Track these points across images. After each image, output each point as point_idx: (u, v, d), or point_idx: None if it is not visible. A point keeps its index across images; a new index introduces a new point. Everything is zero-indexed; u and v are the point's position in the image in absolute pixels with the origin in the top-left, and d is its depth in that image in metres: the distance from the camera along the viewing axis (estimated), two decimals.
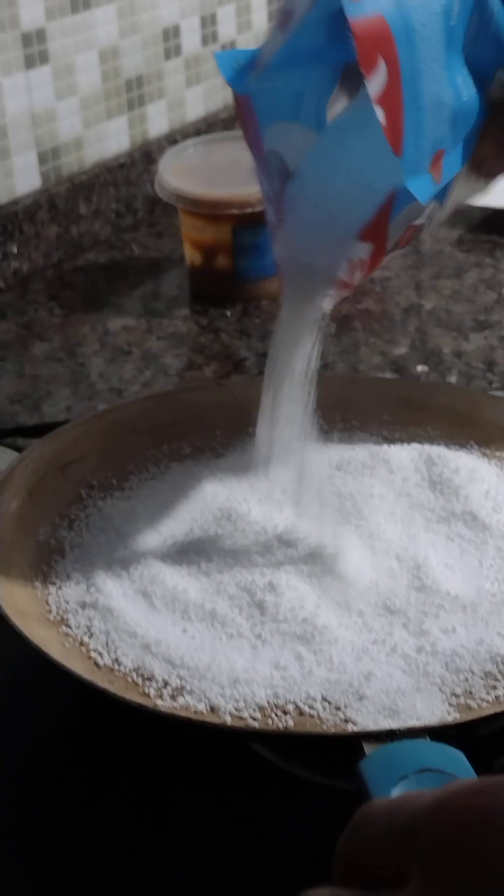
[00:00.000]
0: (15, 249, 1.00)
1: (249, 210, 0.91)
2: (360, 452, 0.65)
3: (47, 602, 0.54)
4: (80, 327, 0.94)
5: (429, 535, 0.59)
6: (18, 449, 0.72)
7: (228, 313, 0.94)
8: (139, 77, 1.10)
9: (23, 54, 0.97)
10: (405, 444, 0.66)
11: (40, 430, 0.72)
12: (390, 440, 0.67)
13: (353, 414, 0.69)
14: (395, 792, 0.38)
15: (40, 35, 0.98)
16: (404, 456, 0.64)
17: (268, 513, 0.59)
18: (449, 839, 0.29)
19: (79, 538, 0.59)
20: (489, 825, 0.28)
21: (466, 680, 0.50)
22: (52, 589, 0.55)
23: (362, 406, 0.70)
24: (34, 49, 0.98)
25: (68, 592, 0.55)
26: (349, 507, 0.60)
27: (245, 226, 0.93)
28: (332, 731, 0.47)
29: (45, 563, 0.57)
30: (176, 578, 0.55)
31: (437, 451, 0.65)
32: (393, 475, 0.62)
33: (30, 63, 0.98)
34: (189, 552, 0.57)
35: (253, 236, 0.93)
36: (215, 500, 0.60)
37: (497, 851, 0.28)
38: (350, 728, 0.47)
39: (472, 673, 0.50)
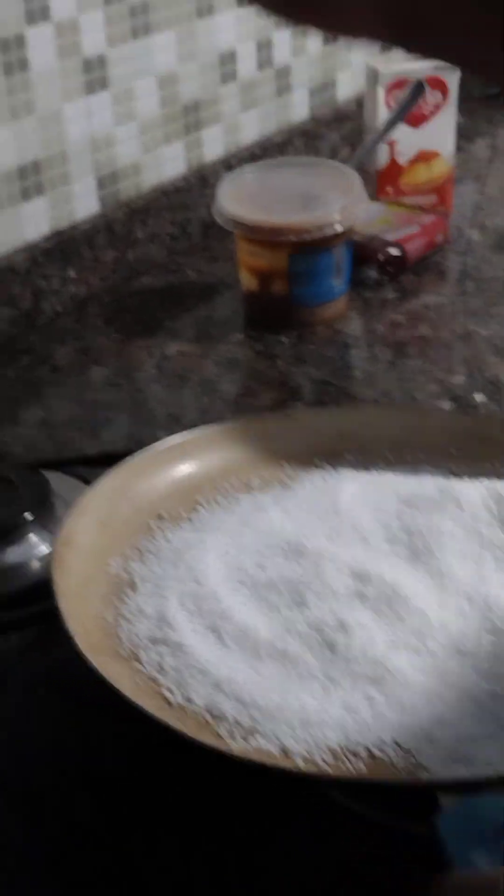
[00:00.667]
0: (73, 274, 1.01)
1: (307, 237, 0.92)
2: (428, 488, 0.65)
3: (119, 636, 0.55)
4: (136, 352, 0.94)
5: (500, 575, 0.59)
6: (82, 478, 0.73)
7: (284, 339, 0.95)
8: (196, 102, 1.11)
9: (84, 80, 0.98)
10: (474, 480, 0.66)
11: (103, 460, 0.73)
12: (458, 475, 0.67)
13: (420, 447, 0.69)
14: (474, 853, 0.38)
15: (101, 61, 0.99)
16: (473, 492, 0.64)
17: (338, 549, 0.59)
18: None
19: (150, 571, 0.59)
20: None
21: None
22: (124, 623, 0.55)
23: (430, 439, 0.70)
24: (95, 75, 0.99)
25: (140, 627, 0.55)
26: (419, 545, 0.60)
27: (302, 252, 0.93)
28: (406, 778, 0.47)
29: (117, 595, 0.57)
30: (246, 615, 0.55)
31: None
32: (462, 512, 0.62)
33: (90, 89, 0.99)
34: (259, 587, 0.57)
35: (309, 262, 0.94)
36: (284, 534, 0.61)
37: None
38: (423, 775, 0.47)
39: None
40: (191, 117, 1.11)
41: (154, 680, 0.52)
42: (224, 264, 1.09)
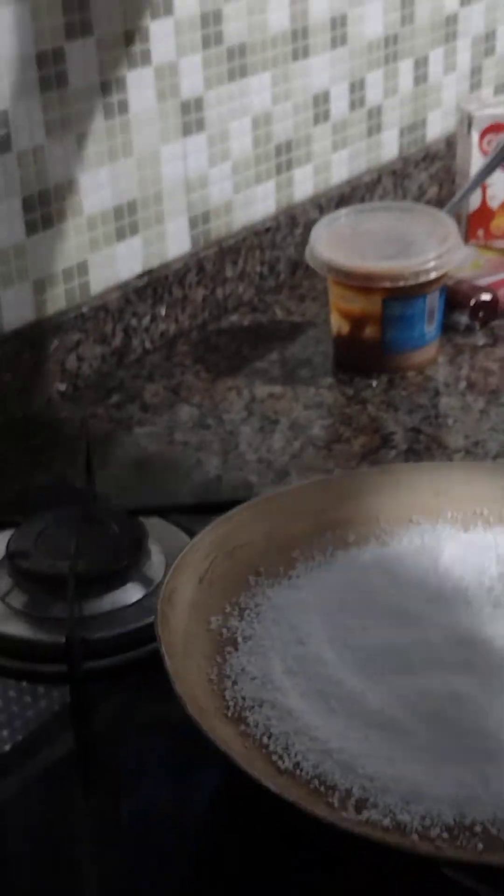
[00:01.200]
0: (163, 312, 1.01)
1: (402, 283, 0.91)
2: None
3: (224, 696, 0.54)
4: (226, 392, 0.94)
5: None
6: (178, 524, 0.72)
7: (374, 384, 0.94)
8: (288, 142, 1.11)
9: (181, 122, 0.99)
10: None
11: (199, 509, 0.73)
12: None
13: None
14: None
15: (198, 103, 1.00)
16: None
17: (441, 613, 0.58)
18: None
19: (251, 629, 0.59)
20: None
21: None
22: (228, 683, 0.55)
23: None
24: (192, 117, 1.00)
25: (245, 688, 0.54)
26: None
27: (396, 298, 0.93)
28: None
29: (220, 654, 0.57)
30: (354, 681, 0.54)
31: None
32: None
33: (187, 130, 1.00)
34: (364, 652, 0.56)
35: (403, 308, 0.93)
36: (385, 595, 0.60)
37: None
38: None
39: None
40: (282, 157, 1.11)
41: (262, 745, 0.51)
42: (312, 304, 1.09)
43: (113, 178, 0.94)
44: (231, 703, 0.54)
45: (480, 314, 1.03)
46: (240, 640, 0.58)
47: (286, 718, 0.52)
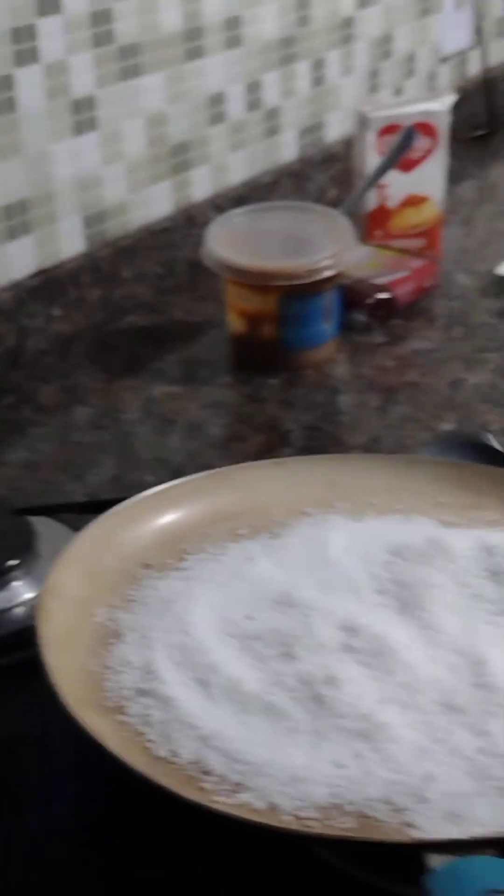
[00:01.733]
0: (58, 312, 1.00)
1: (297, 282, 0.91)
2: (417, 538, 0.64)
3: (104, 688, 0.53)
4: (122, 393, 0.93)
5: (490, 628, 0.58)
6: (68, 524, 0.71)
7: (272, 382, 0.94)
8: (184, 143, 1.11)
9: (72, 121, 0.98)
10: (464, 531, 0.65)
11: (90, 507, 0.72)
12: (448, 525, 0.66)
13: (408, 496, 0.69)
14: None
15: (90, 102, 0.99)
16: (463, 544, 0.63)
17: (327, 600, 0.58)
18: None
19: (136, 620, 0.58)
20: None
21: None
22: (110, 674, 0.54)
23: (418, 488, 0.69)
24: (83, 116, 0.98)
25: (126, 678, 0.54)
26: (408, 597, 0.59)
27: (292, 296, 0.92)
28: (396, 838, 0.46)
29: (103, 646, 0.56)
30: (234, 668, 0.54)
31: (497, 538, 0.64)
32: (452, 564, 0.61)
33: (79, 129, 0.98)
34: (247, 639, 0.56)
35: (299, 307, 0.93)
36: (274, 585, 0.59)
37: None
38: (413, 834, 0.46)
39: None
40: (178, 158, 1.11)
41: (139, 733, 0.51)
42: (210, 304, 1.08)
43: (2, 176, 0.92)
44: (110, 694, 0.53)
45: (378, 312, 1.03)
46: (124, 631, 0.57)
47: (165, 708, 0.52)
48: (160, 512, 0.66)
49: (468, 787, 0.48)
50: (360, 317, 1.03)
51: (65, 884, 0.50)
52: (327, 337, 0.96)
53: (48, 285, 0.99)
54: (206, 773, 0.49)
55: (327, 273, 0.92)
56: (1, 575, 0.65)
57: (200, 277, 1.13)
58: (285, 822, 0.46)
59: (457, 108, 1.47)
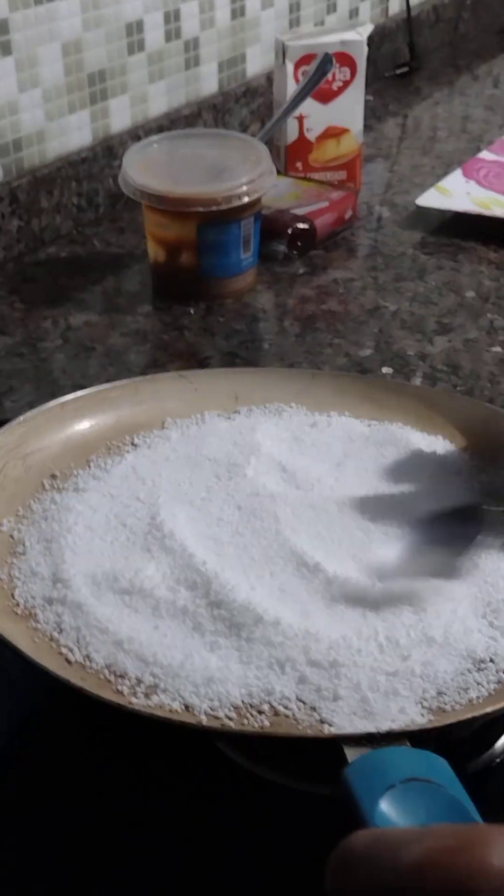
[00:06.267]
0: None
1: (215, 208, 0.91)
2: (317, 430, 0.67)
3: (13, 596, 0.54)
4: (41, 322, 0.93)
5: (389, 529, 0.59)
6: None
7: (192, 311, 0.94)
8: (102, 71, 1.09)
9: None
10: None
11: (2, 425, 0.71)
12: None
13: (313, 409, 0.70)
14: (383, 803, 0.38)
15: (3, 25, 0.97)
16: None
17: (220, 494, 0.60)
18: None
19: (42, 531, 0.58)
20: (467, 891, 0.29)
21: (439, 681, 0.49)
22: (18, 583, 0.55)
23: (322, 401, 0.71)
24: None
25: (34, 588, 0.54)
26: (301, 480, 0.61)
27: (210, 223, 0.92)
28: (311, 733, 0.47)
29: (11, 556, 0.56)
30: (143, 574, 0.54)
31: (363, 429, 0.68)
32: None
33: None
34: (152, 545, 0.57)
35: (218, 234, 0.93)
36: (168, 487, 0.61)
37: None
38: (327, 730, 0.47)
39: (446, 673, 0.50)
40: (96, 86, 1.09)
41: (53, 639, 0.51)
42: (132, 236, 1.07)
43: None
44: (21, 602, 0.53)
45: (298, 243, 1.03)
46: (31, 541, 0.58)
47: (76, 614, 0.52)
48: (66, 423, 0.66)
49: (378, 686, 0.49)
50: (280, 247, 1.03)
51: None
52: (247, 266, 0.96)
53: None
54: (122, 676, 0.49)
55: (246, 199, 0.91)
56: None
57: (121, 209, 1.12)
58: (201, 720, 0.47)
59: (379, 45, 1.47)
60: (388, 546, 0.57)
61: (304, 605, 0.53)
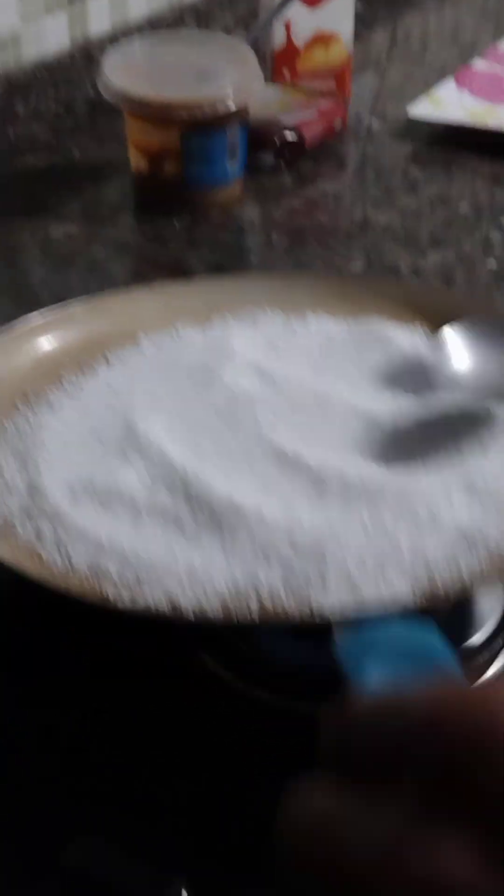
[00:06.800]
0: None
1: (199, 114, 0.87)
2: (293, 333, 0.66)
3: None
4: (19, 234, 0.89)
5: (370, 420, 0.58)
6: None
7: (176, 223, 0.90)
8: None
9: None
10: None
11: None
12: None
13: (289, 311, 0.68)
14: (373, 676, 0.37)
15: None
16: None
17: (199, 406, 0.59)
18: (441, 760, 0.27)
19: (15, 447, 0.57)
20: (480, 744, 0.27)
21: (428, 560, 0.48)
22: None
23: (300, 303, 0.69)
24: None
25: (10, 500, 0.53)
26: (279, 382, 0.60)
27: (195, 130, 0.88)
28: (301, 618, 0.45)
29: None
30: (120, 478, 0.53)
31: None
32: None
33: None
34: (128, 451, 0.55)
35: (202, 141, 0.89)
36: (144, 398, 0.59)
37: (490, 773, 0.27)
38: (316, 614, 0.45)
39: (434, 550, 0.48)
40: None
41: (33, 548, 0.49)
42: (112, 146, 1.03)
43: None
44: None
45: (286, 153, 0.99)
46: (4, 459, 0.56)
47: (55, 522, 0.50)
48: (35, 343, 0.65)
49: (366, 567, 0.47)
50: (267, 158, 0.99)
51: None
52: (233, 176, 0.93)
53: None
54: (105, 578, 0.48)
55: (231, 105, 0.87)
56: None
57: (101, 118, 1.08)
58: (189, 617, 0.46)
59: None
60: (370, 436, 0.56)
61: (287, 498, 0.51)
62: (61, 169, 1.00)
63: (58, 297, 0.80)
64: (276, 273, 0.79)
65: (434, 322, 0.66)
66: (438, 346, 0.62)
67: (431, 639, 0.40)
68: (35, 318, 0.66)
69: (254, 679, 0.49)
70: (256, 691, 0.49)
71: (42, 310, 0.67)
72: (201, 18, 1.20)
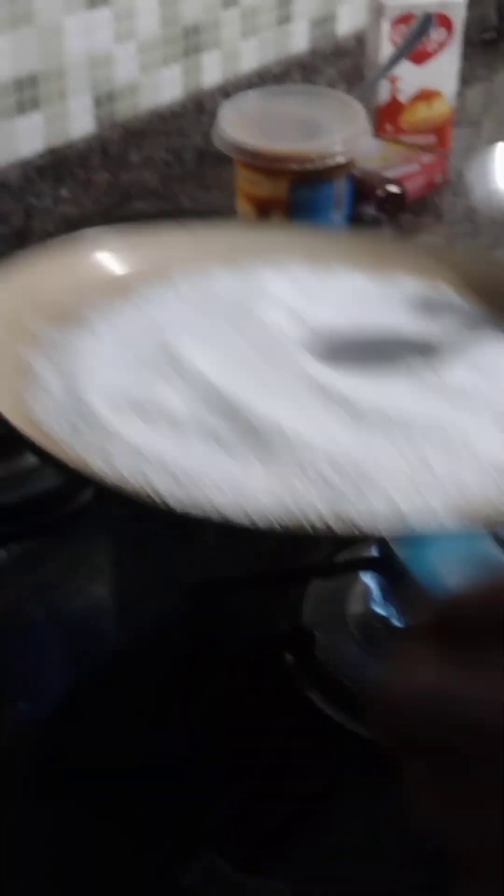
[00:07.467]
0: (66, 194, 0.99)
1: (309, 166, 0.90)
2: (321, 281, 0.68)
3: (39, 422, 0.52)
4: None
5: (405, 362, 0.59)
6: None
7: None
8: (196, 25, 1.08)
9: None
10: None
11: None
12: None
13: (316, 263, 0.70)
14: (452, 579, 0.39)
15: None
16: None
17: (234, 338, 0.60)
18: None
19: (53, 359, 0.57)
20: None
21: (466, 489, 0.49)
22: (38, 410, 0.53)
23: (327, 256, 0.70)
24: None
25: (55, 412, 0.53)
26: (312, 322, 0.62)
27: (303, 181, 0.91)
28: (368, 532, 0.46)
29: (25, 385, 0.55)
30: (160, 393, 0.54)
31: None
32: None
33: (92, 3, 0.96)
34: (166, 371, 0.56)
35: (310, 193, 0.92)
36: (179, 327, 0.60)
37: None
38: (362, 531, 0.46)
39: (472, 481, 0.49)
40: (190, 40, 1.08)
41: (84, 459, 0.50)
42: (218, 193, 1.07)
43: (13, 47, 0.91)
44: (44, 426, 0.52)
45: (388, 206, 1.02)
46: (44, 372, 0.56)
47: (100, 433, 0.51)
48: (72, 268, 0.65)
49: (407, 491, 0.48)
50: (370, 210, 1.02)
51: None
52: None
53: (56, 165, 0.97)
54: (149, 486, 0.48)
55: (339, 158, 0.90)
56: None
57: (208, 166, 1.12)
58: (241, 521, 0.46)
59: (468, 10, 1.44)
60: (406, 375, 0.58)
61: (325, 423, 0.53)
62: (169, 215, 1.04)
63: None
64: (303, 225, 0.81)
65: (461, 278, 0.68)
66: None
67: (490, 547, 0.42)
68: (72, 240, 0.67)
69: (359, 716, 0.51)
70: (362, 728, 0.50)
71: (82, 231, 0.68)
72: (307, 71, 1.24)
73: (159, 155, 1.08)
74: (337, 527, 0.45)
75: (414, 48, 1.04)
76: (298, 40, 1.23)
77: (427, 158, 1.07)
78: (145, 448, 0.50)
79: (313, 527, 0.46)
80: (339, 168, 0.92)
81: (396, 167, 1.05)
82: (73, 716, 0.53)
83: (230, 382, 0.54)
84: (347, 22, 1.30)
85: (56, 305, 0.62)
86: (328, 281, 0.68)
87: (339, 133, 0.92)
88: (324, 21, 1.26)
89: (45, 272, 0.64)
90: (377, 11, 1.08)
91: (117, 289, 0.65)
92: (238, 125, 0.93)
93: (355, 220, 0.99)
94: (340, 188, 0.94)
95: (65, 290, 0.63)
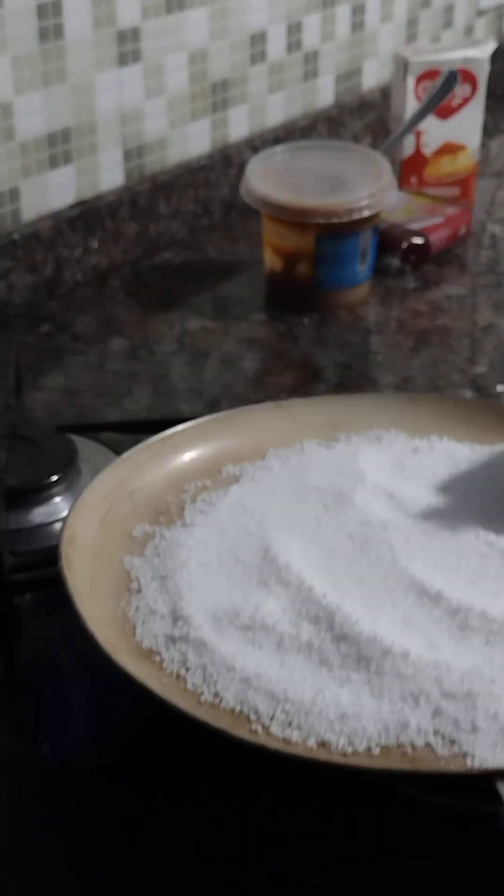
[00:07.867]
0: (95, 245, 1.01)
1: (335, 220, 0.92)
2: (419, 455, 0.67)
3: (135, 635, 0.53)
4: (157, 326, 0.94)
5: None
6: (105, 443, 0.72)
7: (306, 321, 0.95)
8: (224, 81, 1.11)
9: (117, 52, 0.98)
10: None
11: (127, 427, 0.73)
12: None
13: (413, 433, 0.69)
14: None
15: (135, 34, 0.99)
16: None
17: (332, 529, 0.60)
18: None
19: (156, 567, 0.58)
20: None
21: None
22: (138, 622, 0.54)
23: (422, 426, 0.70)
24: (128, 47, 0.99)
25: (155, 626, 0.53)
26: (410, 506, 0.61)
27: (329, 235, 0.93)
28: (455, 768, 0.46)
29: (125, 594, 0.56)
30: (263, 609, 0.53)
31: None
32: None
33: (123, 61, 0.98)
34: (268, 578, 0.56)
35: (336, 246, 0.94)
36: (277, 519, 0.60)
37: None
38: (470, 763, 0.46)
39: None
40: (218, 95, 1.11)
41: (180, 678, 0.50)
42: (245, 245, 1.08)
43: (46, 103, 0.93)
44: (142, 642, 0.53)
45: (412, 258, 1.03)
46: (145, 580, 0.57)
47: (201, 652, 0.51)
48: (168, 457, 0.65)
49: None
50: (394, 261, 1.03)
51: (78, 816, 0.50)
52: (362, 279, 0.97)
53: (86, 217, 0.99)
54: (254, 714, 0.48)
55: (365, 212, 0.92)
56: (43, 490, 0.67)
57: (235, 217, 1.14)
58: (340, 759, 0.46)
59: (491, 63, 1.46)
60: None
61: (430, 636, 0.52)
62: (197, 265, 1.05)
63: (193, 388, 0.84)
64: (401, 394, 0.81)
65: None
66: None
67: None
68: (167, 434, 0.67)
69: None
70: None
71: (176, 427, 0.68)
72: (332, 125, 1.26)
73: (187, 207, 1.10)
74: (450, 762, 0.46)
75: (439, 105, 1.06)
76: (324, 95, 1.25)
77: (451, 210, 1.09)
78: (250, 673, 0.50)
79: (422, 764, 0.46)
80: (364, 221, 0.93)
81: (421, 219, 1.06)
82: (98, 762, 0.53)
83: (332, 592, 0.54)
84: (372, 76, 1.32)
85: (156, 502, 0.62)
86: (425, 453, 0.68)
87: (364, 187, 0.93)
88: (349, 76, 1.28)
89: (144, 467, 0.64)
90: (402, 67, 1.10)
91: (216, 478, 0.65)
92: (265, 179, 0.95)
93: (379, 270, 1.00)
94: (366, 240, 0.95)
95: (164, 486, 0.64)
